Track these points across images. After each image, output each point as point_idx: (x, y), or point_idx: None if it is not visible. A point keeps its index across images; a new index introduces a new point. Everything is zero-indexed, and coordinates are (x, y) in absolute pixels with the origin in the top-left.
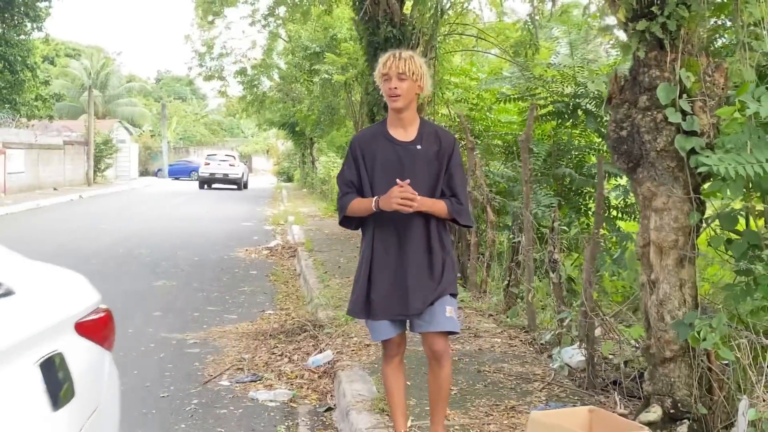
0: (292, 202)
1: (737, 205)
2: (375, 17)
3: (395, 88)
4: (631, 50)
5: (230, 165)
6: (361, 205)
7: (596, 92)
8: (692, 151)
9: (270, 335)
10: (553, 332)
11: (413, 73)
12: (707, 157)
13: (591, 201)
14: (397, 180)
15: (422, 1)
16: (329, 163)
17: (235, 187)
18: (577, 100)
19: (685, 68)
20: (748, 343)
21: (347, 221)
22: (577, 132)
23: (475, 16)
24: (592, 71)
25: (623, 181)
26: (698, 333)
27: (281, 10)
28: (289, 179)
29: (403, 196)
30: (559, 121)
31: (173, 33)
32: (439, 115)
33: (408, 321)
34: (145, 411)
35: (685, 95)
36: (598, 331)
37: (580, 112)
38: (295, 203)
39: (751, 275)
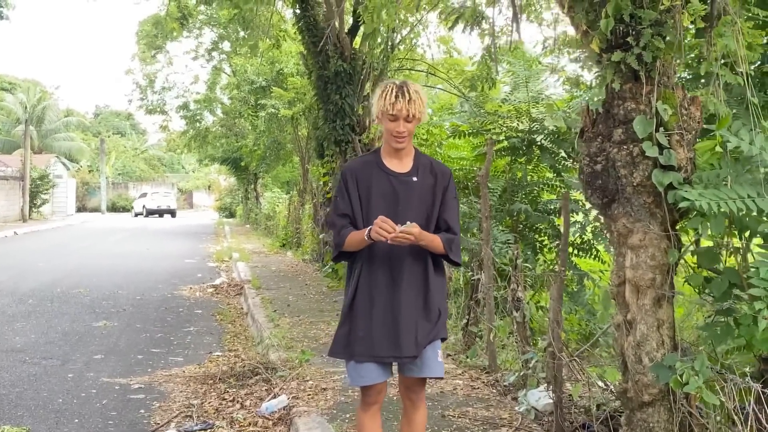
0: (235, 238)
1: (710, 242)
2: (325, 51)
3: (403, 131)
4: (605, 82)
5: (171, 199)
6: (355, 238)
7: (553, 128)
8: (669, 187)
9: (219, 379)
10: (517, 373)
11: (421, 113)
12: (687, 192)
13: (546, 237)
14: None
15: (372, 36)
16: (274, 199)
17: (170, 215)
18: (532, 136)
19: (662, 101)
20: (734, 386)
21: (343, 256)
22: (531, 167)
23: (423, 51)
24: (548, 106)
25: (579, 217)
26: (681, 376)
27: (225, 45)
28: (231, 215)
29: (381, 227)
30: (514, 156)
31: (112, 67)
32: None
33: (396, 364)
34: None
35: (661, 128)
36: (564, 372)
37: (534, 148)
38: (239, 239)
39: (731, 315)
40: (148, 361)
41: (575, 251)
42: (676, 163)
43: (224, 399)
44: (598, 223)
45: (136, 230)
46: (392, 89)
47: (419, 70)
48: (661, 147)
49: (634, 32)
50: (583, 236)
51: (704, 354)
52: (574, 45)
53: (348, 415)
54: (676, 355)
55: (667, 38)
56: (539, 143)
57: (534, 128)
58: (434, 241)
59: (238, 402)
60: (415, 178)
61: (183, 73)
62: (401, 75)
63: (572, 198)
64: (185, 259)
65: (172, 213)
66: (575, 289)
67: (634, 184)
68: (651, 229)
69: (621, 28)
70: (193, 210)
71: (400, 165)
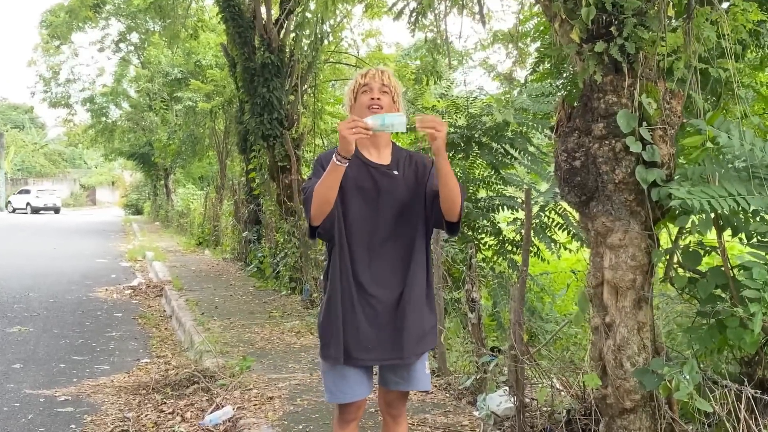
0: (146, 236)
1: (693, 239)
2: (251, 43)
3: (378, 96)
4: (586, 74)
5: (56, 197)
6: (324, 179)
7: (492, 123)
8: (653, 184)
9: (153, 389)
10: (473, 377)
11: (395, 90)
12: (676, 189)
13: (486, 235)
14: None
15: (301, 27)
16: (188, 195)
17: (54, 212)
18: (471, 132)
19: (645, 94)
20: (728, 392)
21: (316, 230)
22: (468, 164)
23: (348, 45)
24: (497, 100)
25: (520, 214)
26: (670, 382)
27: (133, 36)
28: (138, 212)
29: (349, 126)
30: (452, 152)
31: (9, 59)
32: (316, 146)
33: (378, 378)
34: None
35: (644, 123)
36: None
37: (473, 144)
38: (150, 237)
39: (716, 317)
40: (71, 370)
41: (513, 248)
42: (660, 159)
43: (162, 411)
44: (537, 220)
45: (39, 228)
46: (364, 69)
47: (348, 64)
48: (643, 143)
49: (616, 22)
50: (522, 233)
51: (693, 359)
52: (508, 40)
53: (301, 426)
54: (661, 359)
55: (651, 27)
56: (478, 139)
57: (472, 124)
58: (453, 174)
59: (178, 414)
60: (396, 172)
61: (89, 65)
62: (330, 68)
63: (509, 195)
64: (96, 258)
65: (56, 210)
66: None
67: (616, 181)
68: (632, 228)
69: (603, 18)
70: (97, 207)
71: (379, 157)
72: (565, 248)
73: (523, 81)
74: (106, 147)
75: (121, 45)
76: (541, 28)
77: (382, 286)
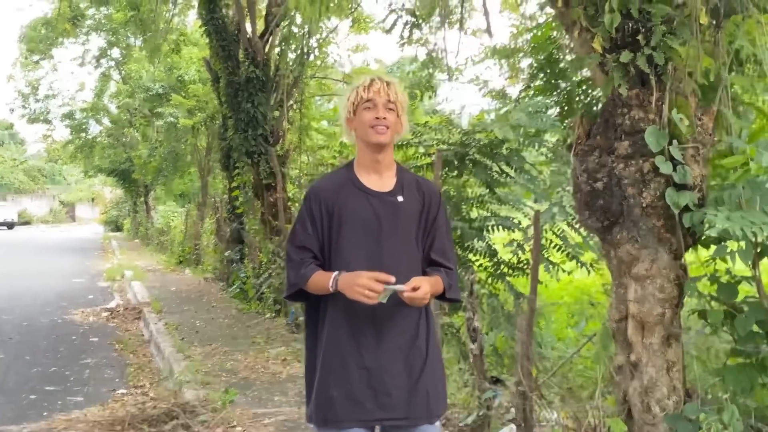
0: (125, 254)
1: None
2: (235, 57)
3: (384, 118)
4: (610, 86)
5: (14, 212)
6: (317, 283)
7: (486, 140)
8: (684, 209)
9: (129, 424)
10: (475, 413)
11: (401, 106)
12: (715, 216)
13: (480, 256)
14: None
15: (286, 41)
16: (168, 213)
17: (6, 227)
18: (465, 149)
19: (676, 109)
20: None
21: (299, 296)
22: (461, 182)
23: (334, 60)
24: (499, 117)
25: (517, 235)
26: (708, 430)
27: (114, 51)
28: (118, 229)
29: (369, 286)
30: (446, 170)
31: None
32: (302, 163)
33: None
34: None
35: (674, 141)
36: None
37: (467, 162)
38: (130, 256)
39: (756, 356)
40: (42, 403)
41: (510, 270)
42: (691, 181)
43: None
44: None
45: (14, 245)
46: (365, 79)
47: (334, 79)
48: (673, 163)
49: (643, 30)
50: (519, 255)
51: (733, 405)
52: (504, 55)
53: None
54: (695, 404)
55: (681, 36)
56: (472, 157)
57: (466, 141)
58: (437, 286)
59: None
60: (400, 198)
61: (68, 81)
62: (316, 83)
63: (505, 215)
64: (73, 278)
65: (10, 226)
66: (512, 311)
67: (644, 205)
68: (660, 256)
69: (629, 25)
70: (77, 223)
71: (381, 182)
72: (563, 270)
73: (515, 97)
74: (86, 163)
75: (102, 60)
76: (533, 44)
77: (389, 335)
